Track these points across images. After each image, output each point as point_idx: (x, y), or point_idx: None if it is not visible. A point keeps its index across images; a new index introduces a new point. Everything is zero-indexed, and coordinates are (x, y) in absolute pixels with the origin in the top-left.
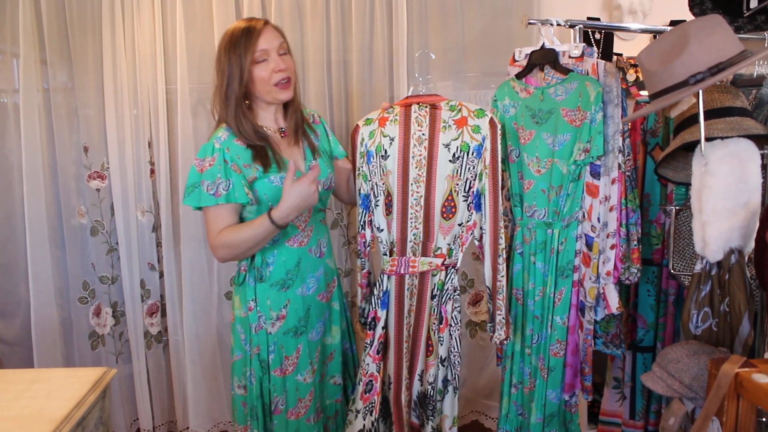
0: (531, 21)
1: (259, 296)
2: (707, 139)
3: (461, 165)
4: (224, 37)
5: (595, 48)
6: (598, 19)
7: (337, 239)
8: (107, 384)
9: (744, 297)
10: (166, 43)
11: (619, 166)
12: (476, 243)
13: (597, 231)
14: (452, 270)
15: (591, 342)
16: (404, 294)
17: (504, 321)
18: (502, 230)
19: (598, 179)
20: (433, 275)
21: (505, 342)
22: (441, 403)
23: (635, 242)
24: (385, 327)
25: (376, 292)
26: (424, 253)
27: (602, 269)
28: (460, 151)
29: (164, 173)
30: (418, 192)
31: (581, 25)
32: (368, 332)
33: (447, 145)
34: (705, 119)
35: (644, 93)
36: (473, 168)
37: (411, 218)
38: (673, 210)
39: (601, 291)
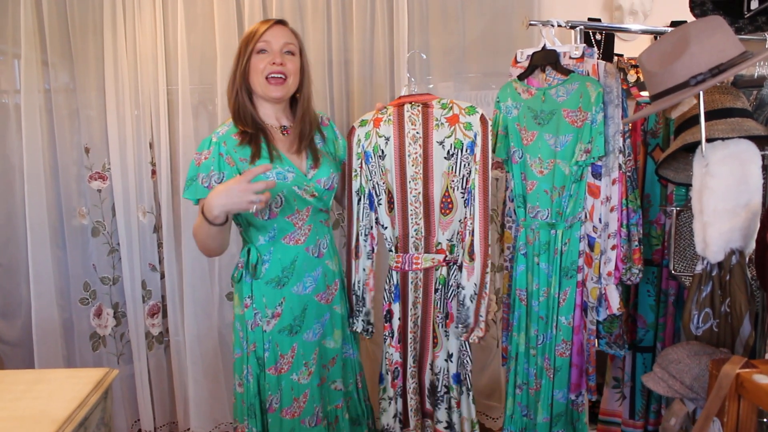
0: (532, 22)
1: (255, 293)
2: (708, 140)
3: (456, 162)
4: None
5: (595, 49)
6: (599, 20)
7: (338, 239)
8: (109, 385)
9: (745, 298)
10: (167, 44)
11: (620, 166)
12: (464, 239)
13: (598, 231)
14: (454, 266)
15: (594, 342)
16: (408, 288)
17: (483, 319)
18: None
19: (600, 180)
20: (436, 270)
21: (481, 340)
22: (455, 400)
23: (636, 243)
24: (401, 319)
25: (387, 287)
26: (427, 249)
27: (603, 270)
28: (454, 148)
29: (165, 174)
30: (416, 189)
31: (582, 26)
32: (385, 325)
33: (441, 143)
34: (706, 120)
35: (645, 94)
36: (468, 164)
37: (411, 214)
38: (674, 211)
39: (603, 291)
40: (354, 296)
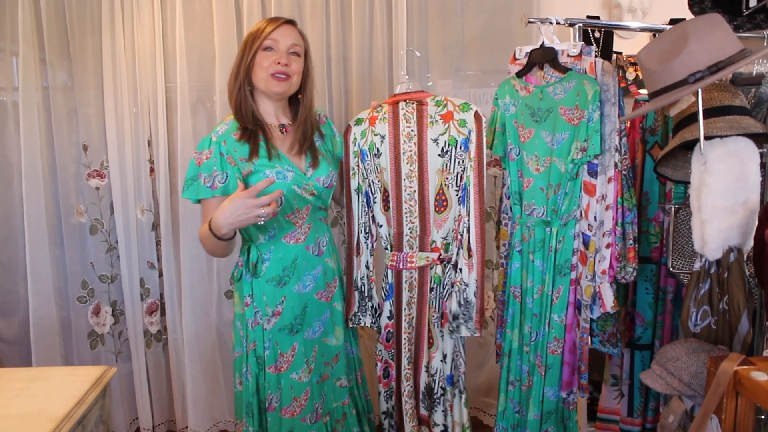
0: (531, 19)
1: (255, 292)
2: (706, 138)
3: (450, 159)
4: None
5: (593, 47)
6: (598, 18)
7: (336, 237)
8: (107, 383)
9: (743, 295)
10: (165, 42)
11: (616, 164)
12: (459, 237)
13: (593, 229)
14: (449, 265)
15: (587, 340)
16: (402, 287)
17: (483, 316)
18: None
19: (596, 178)
20: (431, 268)
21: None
22: (449, 402)
23: (631, 241)
24: (392, 318)
25: (383, 285)
26: (422, 248)
27: (598, 268)
28: (448, 145)
29: (164, 172)
30: (411, 187)
31: (581, 24)
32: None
33: (435, 140)
34: (704, 118)
35: (644, 91)
36: (462, 162)
37: (406, 212)
38: (672, 208)
39: (597, 289)
40: (358, 293)
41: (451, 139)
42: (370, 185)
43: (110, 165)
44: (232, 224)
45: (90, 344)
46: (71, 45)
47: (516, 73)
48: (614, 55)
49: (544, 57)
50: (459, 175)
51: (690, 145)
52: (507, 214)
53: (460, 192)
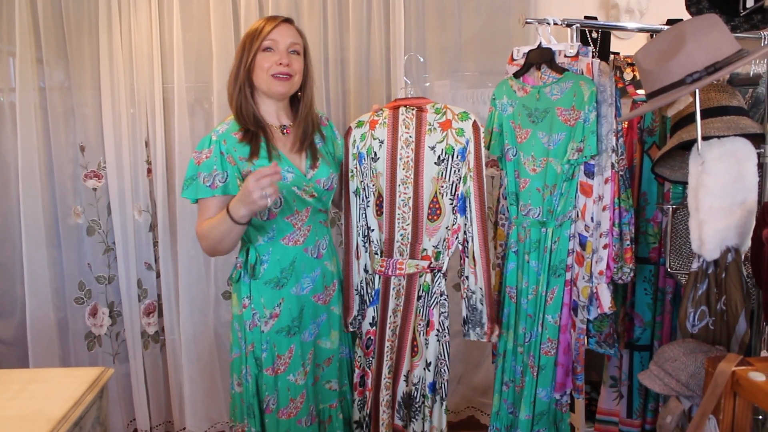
0: (528, 20)
1: (253, 294)
2: (704, 138)
3: (446, 167)
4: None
5: (590, 47)
6: (595, 18)
7: (335, 238)
8: (105, 384)
9: (741, 295)
10: (163, 43)
11: (613, 165)
12: (459, 247)
13: (590, 230)
14: (439, 274)
15: (584, 341)
16: (389, 294)
17: (493, 320)
18: (489, 233)
19: (592, 179)
20: (420, 276)
21: (498, 338)
22: (428, 409)
23: (628, 242)
24: (375, 325)
25: (369, 290)
26: (412, 255)
27: (595, 269)
28: (445, 153)
29: (161, 172)
30: (405, 193)
31: (578, 25)
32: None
33: (432, 148)
34: (702, 118)
35: (641, 92)
36: (458, 171)
37: (398, 219)
38: (670, 209)
39: (594, 290)
40: (358, 296)
41: (448, 148)
42: (364, 188)
43: (107, 166)
44: (245, 204)
45: (87, 345)
46: (68, 45)
47: (513, 74)
48: (611, 56)
49: (541, 57)
50: (454, 185)
51: (688, 146)
52: (504, 214)
53: (454, 201)
